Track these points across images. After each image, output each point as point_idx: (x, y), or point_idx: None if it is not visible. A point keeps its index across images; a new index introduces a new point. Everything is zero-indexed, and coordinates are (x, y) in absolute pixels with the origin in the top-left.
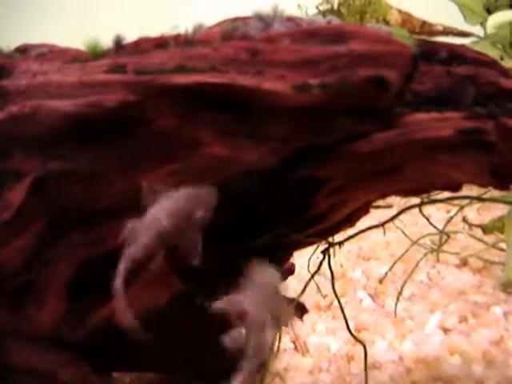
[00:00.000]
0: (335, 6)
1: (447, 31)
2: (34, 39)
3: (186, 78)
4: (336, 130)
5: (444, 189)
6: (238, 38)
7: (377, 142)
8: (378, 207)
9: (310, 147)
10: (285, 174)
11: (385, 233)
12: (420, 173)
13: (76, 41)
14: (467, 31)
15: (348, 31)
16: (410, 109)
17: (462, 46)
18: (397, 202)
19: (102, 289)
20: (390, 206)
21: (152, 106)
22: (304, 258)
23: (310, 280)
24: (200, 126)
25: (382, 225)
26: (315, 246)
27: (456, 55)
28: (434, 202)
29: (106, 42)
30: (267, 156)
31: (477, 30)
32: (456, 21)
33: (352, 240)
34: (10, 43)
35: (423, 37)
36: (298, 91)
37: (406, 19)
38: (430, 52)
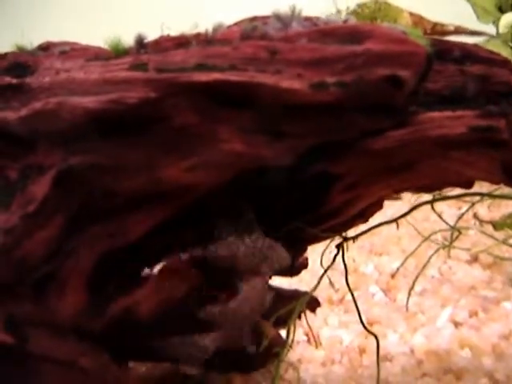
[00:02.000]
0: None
1: (459, 31)
2: (56, 37)
3: (206, 76)
4: (351, 127)
5: (456, 186)
6: (257, 38)
7: (391, 140)
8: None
9: (325, 144)
10: (300, 170)
11: (398, 227)
12: (433, 170)
13: (96, 39)
14: (479, 30)
15: (364, 31)
16: (424, 107)
17: (475, 45)
18: (408, 198)
19: (122, 280)
20: (399, 198)
21: (173, 103)
22: (317, 253)
23: (323, 274)
24: (219, 122)
25: (395, 220)
26: (328, 241)
27: (469, 54)
28: (445, 198)
29: (128, 40)
30: (284, 153)
31: (489, 28)
32: (467, 20)
33: (364, 235)
34: (32, 41)
35: (436, 37)
36: (315, 89)
37: (417, 21)
38: (443, 51)
